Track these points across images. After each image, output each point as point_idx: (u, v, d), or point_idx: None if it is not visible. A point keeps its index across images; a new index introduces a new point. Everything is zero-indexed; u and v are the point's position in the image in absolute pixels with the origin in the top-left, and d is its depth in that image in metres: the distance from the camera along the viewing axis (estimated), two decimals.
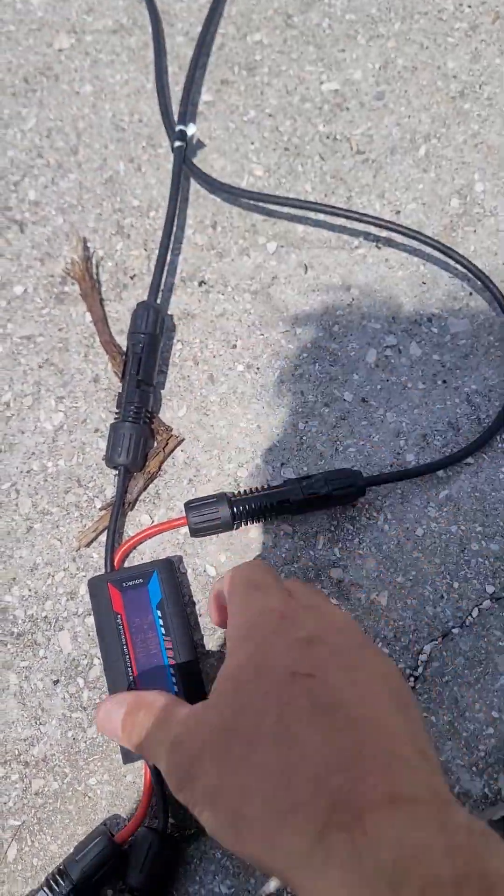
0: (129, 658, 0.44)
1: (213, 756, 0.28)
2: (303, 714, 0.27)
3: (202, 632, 0.48)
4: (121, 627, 0.44)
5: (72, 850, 0.42)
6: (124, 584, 0.45)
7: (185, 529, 0.50)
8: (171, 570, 0.46)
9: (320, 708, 0.27)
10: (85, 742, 0.46)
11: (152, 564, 0.46)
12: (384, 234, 0.57)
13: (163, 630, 0.44)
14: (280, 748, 0.26)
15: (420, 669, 0.47)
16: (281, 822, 0.25)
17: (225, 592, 0.36)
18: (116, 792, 0.45)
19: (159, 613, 0.45)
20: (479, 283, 0.56)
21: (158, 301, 0.54)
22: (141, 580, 0.46)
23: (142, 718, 0.33)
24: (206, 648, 0.48)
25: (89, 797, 0.45)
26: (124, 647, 0.44)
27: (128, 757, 0.43)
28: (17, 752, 0.46)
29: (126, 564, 0.49)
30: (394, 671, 0.31)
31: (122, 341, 0.54)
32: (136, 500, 0.50)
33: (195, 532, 0.48)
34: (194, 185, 0.59)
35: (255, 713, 0.28)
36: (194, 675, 0.44)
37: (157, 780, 0.43)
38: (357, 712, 0.27)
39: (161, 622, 0.45)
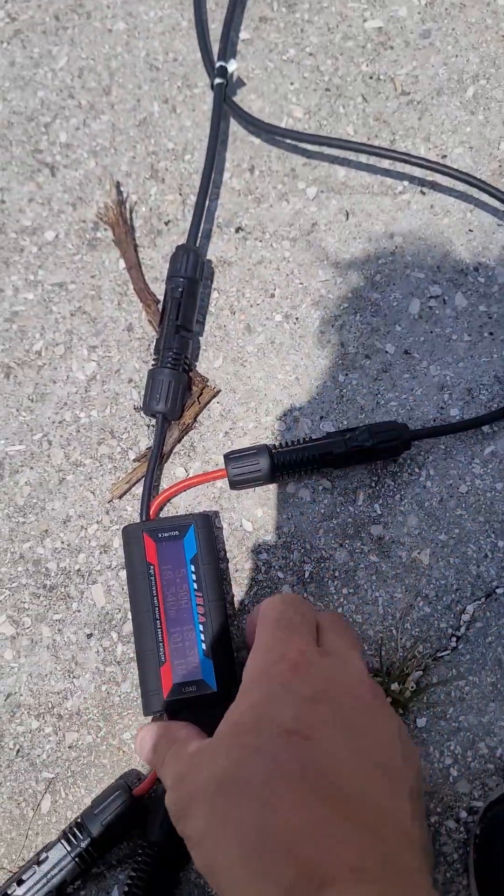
0: (159, 610, 0.43)
1: (203, 801, 0.29)
2: (290, 779, 0.27)
3: (233, 589, 0.47)
4: (153, 578, 0.43)
5: (90, 803, 0.42)
6: (160, 535, 0.44)
7: (221, 483, 0.48)
8: (209, 525, 0.45)
9: (309, 774, 0.27)
10: (119, 696, 0.45)
11: (190, 517, 0.45)
12: (430, 177, 0.54)
13: (195, 585, 0.43)
14: (262, 810, 0.27)
15: (462, 629, 0.46)
16: (249, 881, 0.26)
17: (258, 625, 0.36)
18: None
19: (193, 568, 0.44)
20: None
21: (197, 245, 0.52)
22: (177, 532, 0.44)
23: (163, 748, 0.35)
24: (237, 607, 0.46)
25: (123, 751, 0.44)
26: (154, 598, 0.43)
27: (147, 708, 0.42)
28: (50, 705, 0.45)
29: (161, 516, 0.47)
30: (394, 736, 0.31)
31: (157, 289, 0.52)
32: (171, 451, 0.49)
33: (234, 484, 0.47)
34: (232, 127, 0.56)
35: (247, 769, 0.28)
36: (223, 633, 0.43)
37: None
38: (345, 782, 0.27)
39: (194, 577, 0.43)
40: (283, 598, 0.37)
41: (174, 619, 0.43)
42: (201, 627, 0.42)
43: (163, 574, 0.43)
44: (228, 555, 0.47)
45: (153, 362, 0.49)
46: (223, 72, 0.54)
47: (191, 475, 0.49)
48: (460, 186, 0.54)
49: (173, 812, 0.31)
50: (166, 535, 0.44)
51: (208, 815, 0.28)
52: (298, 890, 0.24)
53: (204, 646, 0.42)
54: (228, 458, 0.46)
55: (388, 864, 0.25)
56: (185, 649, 0.42)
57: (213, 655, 0.42)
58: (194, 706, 0.41)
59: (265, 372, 0.51)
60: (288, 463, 0.46)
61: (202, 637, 0.42)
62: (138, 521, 0.46)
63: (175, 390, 0.48)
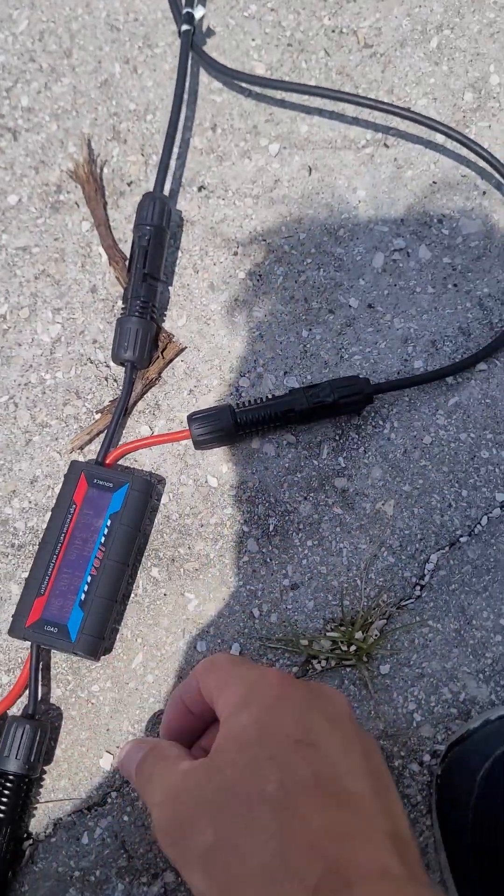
0: (61, 546, 0.44)
1: (211, 815, 0.28)
2: (305, 783, 0.28)
3: (198, 545, 0.47)
4: (69, 516, 0.45)
5: None
6: (95, 481, 0.45)
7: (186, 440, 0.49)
8: (145, 490, 0.45)
9: (322, 780, 0.28)
10: None
11: (129, 477, 0.45)
12: (394, 124, 0.54)
13: (103, 539, 0.44)
14: (281, 814, 0.27)
15: (427, 578, 0.46)
16: (276, 884, 0.26)
17: (199, 680, 0.34)
18: (119, 698, 0.45)
19: (108, 522, 0.44)
20: (494, 179, 0.53)
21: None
22: (111, 485, 0.45)
23: (150, 764, 0.34)
24: (201, 561, 0.47)
25: (92, 703, 0.45)
26: (62, 534, 0.44)
27: None
28: (20, 661, 0.46)
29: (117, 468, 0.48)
30: (373, 745, 0.32)
31: (123, 248, 0.53)
32: (134, 405, 0.49)
33: (198, 444, 0.47)
34: (193, 87, 0.56)
35: (258, 777, 0.28)
36: (107, 592, 0.44)
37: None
38: (351, 787, 0.28)
39: (106, 531, 0.44)
40: (217, 654, 0.38)
41: (70, 561, 0.44)
42: (89, 579, 0.43)
43: (80, 516, 0.45)
44: (194, 510, 0.48)
45: (121, 311, 0.49)
46: (190, 18, 0.54)
47: (155, 433, 0.49)
48: (424, 134, 0.54)
49: (169, 830, 0.29)
50: (100, 483, 0.45)
51: (219, 827, 0.28)
52: (326, 887, 0.25)
53: (83, 596, 0.43)
54: (192, 419, 0.47)
55: (406, 864, 0.26)
56: (65, 592, 0.43)
57: (87, 609, 0.43)
58: (48, 647, 0.44)
59: (228, 329, 0.51)
60: (251, 422, 0.47)
61: (85, 588, 0.43)
62: (95, 460, 0.47)
63: (143, 338, 0.48)
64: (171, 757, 0.33)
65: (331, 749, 0.29)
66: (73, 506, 0.45)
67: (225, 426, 0.46)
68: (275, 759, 0.28)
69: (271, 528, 0.47)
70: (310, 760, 0.28)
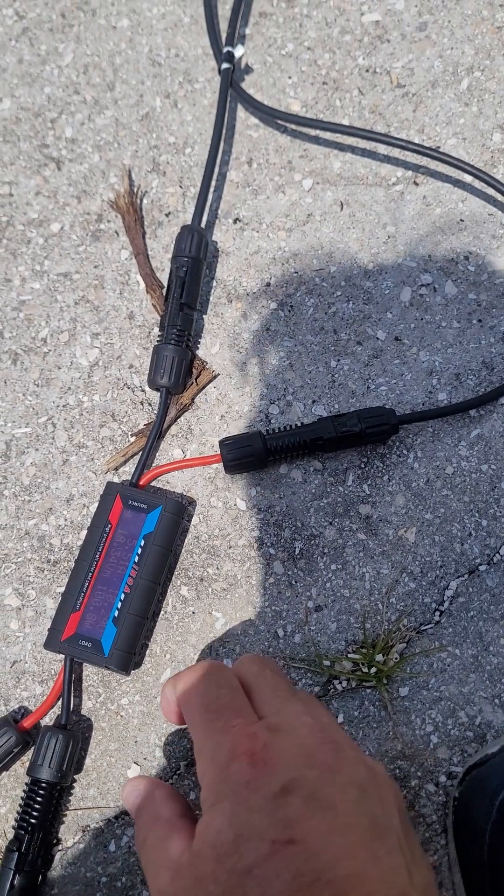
0: (96, 564, 0.46)
1: None
2: (284, 889, 0.26)
3: (226, 565, 0.49)
4: (105, 535, 0.47)
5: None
6: (130, 502, 0.47)
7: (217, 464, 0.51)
8: (177, 513, 0.47)
9: (303, 879, 0.26)
10: None
11: (163, 498, 0.47)
12: (423, 162, 0.56)
13: (136, 558, 0.46)
14: None
15: (446, 604, 0.48)
16: None
17: (182, 710, 0.34)
18: (148, 711, 0.47)
19: (142, 543, 0.46)
20: None
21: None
22: (145, 506, 0.47)
23: (144, 824, 0.33)
24: (228, 581, 0.49)
25: (121, 716, 0.47)
26: (98, 552, 0.46)
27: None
28: (53, 672, 0.48)
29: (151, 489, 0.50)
30: (367, 783, 0.30)
31: (160, 277, 0.55)
32: (167, 429, 0.51)
33: (229, 469, 0.49)
34: (231, 122, 0.58)
35: (238, 890, 0.27)
36: (139, 611, 0.45)
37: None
38: (337, 872, 0.26)
39: (139, 551, 0.46)
40: (197, 676, 0.35)
41: (104, 579, 0.46)
42: (122, 596, 0.45)
43: (115, 536, 0.47)
44: (222, 532, 0.50)
45: (158, 339, 0.51)
46: (230, 57, 0.56)
47: (188, 457, 0.51)
48: (453, 173, 0.56)
49: None
50: (135, 504, 0.47)
51: None
52: None
53: (117, 613, 0.45)
54: (223, 443, 0.49)
55: None
56: (100, 608, 0.45)
57: (120, 626, 0.45)
58: (82, 661, 0.46)
59: (260, 358, 0.53)
60: (280, 448, 0.48)
61: (119, 605, 0.45)
62: (130, 481, 0.49)
63: (178, 365, 0.50)
64: (163, 821, 0.32)
65: (311, 838, 0.27)
66: (109, 525, 0.47)
67: (255, 452, 0.48)
68: (252, 872, 0.27)
69: (297, 551, 0.49)
70: (290, 863, 0.27)
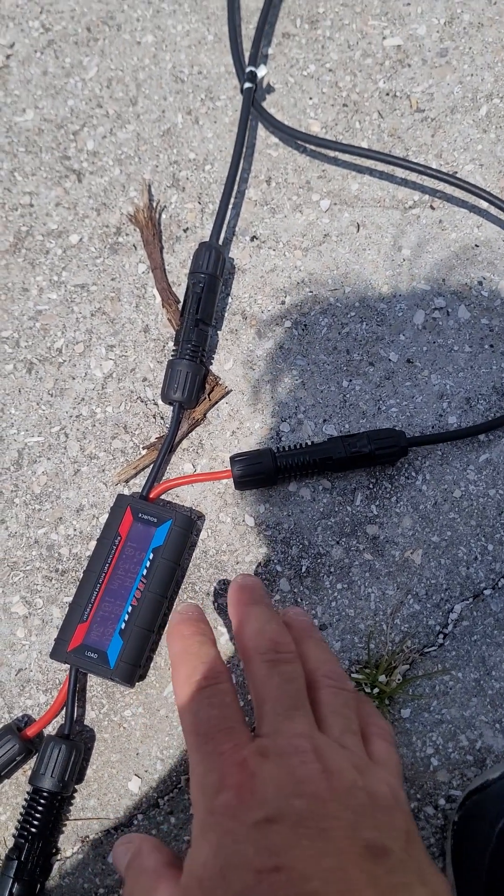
0: (105, 576, 0.46)
1: None
2: None
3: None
4: (114, 547, 0.47)
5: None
6: (140, 515, 0.47)
7: (227, 480, 0.51)
8: (186, 527, 0.48)
9: None
10: None
11: (173, 512, 0.48)
12: (440, 187, 0.57)
13: (145, 571, 0.46)
14: None
15: (450, 627, 0.48)
16: None
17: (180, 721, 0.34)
18: (150, 724, 0.47)
19: (151, 556, 0.47)
20: None
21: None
22: (155, 520, 0.47)
23: (132, 879, 0.33)
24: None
25: (124, 727, 0.47)
26: (106, 564, 0.47)
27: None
28: (58, 682, 0.48)
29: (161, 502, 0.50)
30: (365, 806, 0.29)
31: (176, 291, 0.55)
32: (179, 443, 0.52)
33: (239, 485, 0.49)
34: (249, 140, 0.59)
35: None
36: (146, 623, 0.46)
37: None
38: (328, 894, 0.26)
39: (148, 564, 0.46)
40: (191, 694, 0.34)
41: (112, 591, 0.46)
42: (130, 609, 0.46)
43: (124, 549, 0.47)
44: (230, 547, 0.50)
45: (172, 353, 0.52)
46: (253, 77, 0.57)
47: (198, 471, 0.51)
48: (470, 200, 0.56)
49: None
50: (145, 517, 0.47)
51: None
52: None
53: (124, 625, 0.45)
54: (234, 460, 0.49)
55: None
56: (107, 619, 0.46)
57: (126, 638, 0.45)
58: (87, 672, 0.46)
59: (273, 375, 0.53)
60: (290, 466, 0.49)
61: (126, 617, 0.45)
62: (140, 494, 0.50)
63: (192, 380, 0.50)
64: (150, 872, 0.32)
65: (298, 863, 0.27)
66: (119, 538, 0.47)
67: (265, 469, 0.49)
68: None
69: (303, 569, 0.49)
70: (275, 889, 0.26)
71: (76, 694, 0.46)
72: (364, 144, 0.58)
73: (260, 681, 0.34)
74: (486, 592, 0.49)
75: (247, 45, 0.60)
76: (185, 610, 0.41)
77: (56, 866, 0.45)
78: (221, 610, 0.49)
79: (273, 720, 0.33)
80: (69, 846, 0.46)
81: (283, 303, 0.55)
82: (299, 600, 0.49)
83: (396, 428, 0.51)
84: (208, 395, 0.52)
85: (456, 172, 0.57)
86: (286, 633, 0.37)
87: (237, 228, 0.57)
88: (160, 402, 0.53)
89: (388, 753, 0.34)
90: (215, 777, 0.30)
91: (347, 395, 0.53)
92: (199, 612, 0.41)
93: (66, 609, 0.49)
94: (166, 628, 0.40)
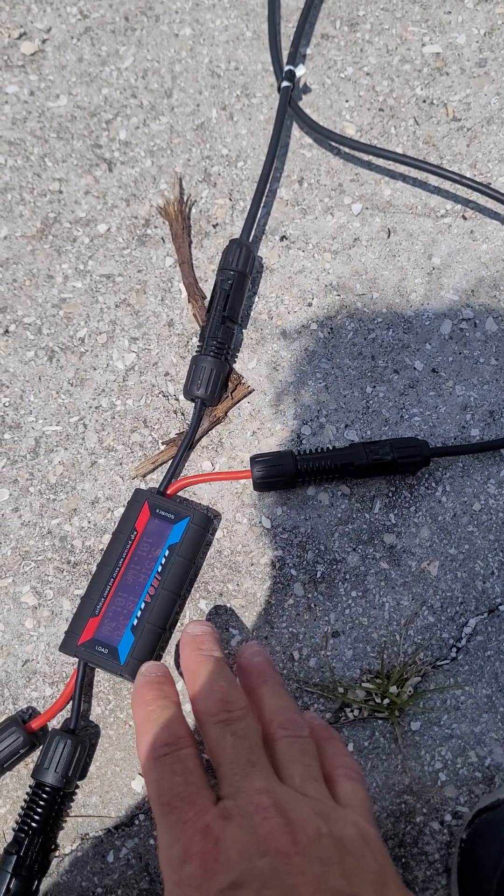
0: (119, 570, 0.46)
1: None
2: None
3: (246, 582, 0.49)
4: (130, 542, 0.46)
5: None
6: (157, 511, 0.47)
7: (246, 480, 0.50)
8: (204, 525, 0.47)
9: None
10: None
11: (191, 510, 0.47)
12: (473, 197, 0.56)
13: (160, 568, 0.46)
14: None
15: (463, 641, 0.48)
16: None
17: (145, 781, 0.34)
18: None
19: (167, 553, 0.46)
20: None
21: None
22: (172, 517, 0.47)
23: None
24: (247, 598, 0.49)
25: (130, 725, 0.47)
26: (121, 559, 0.46)
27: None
28: (65, 675, 0.48)
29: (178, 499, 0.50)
30: (337, 851, 0.29)
31: (203, 287, 0.55)
32: (199, 440, 0.51)
33: (258, 486, 0.49)
34: (283, 139, 0.58)
35: None
36: (158, 620, 0.45)
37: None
38: None
39: (163, 560, 0.46)
40: (153, 763, 0.34)
41: (126, 586, 0.45)
42: (143, 605, 0.45)
43: (139, 544, 0.46)
44: (245, 549, 0.49)
45: (197, 349, 0.51)
46: (291, 76, 0.56)
47: (217, 470, 0.51)
48: (502, 211, 0.56)
49: None
50: (163, 513, 0.47)
51: None
52: None
53: (136, 621, 0.45)
54: (254, 460, 0.49)
55: None
56: (119, 615, 0.45)
57: (137, 634, 0.44)
58: (97, 667, 0.45)
59: (296, 377, 0.53)
60: (310, 470, 0.48)
61: (139, 613, 0.45)
62: (158, 489, 0.49)
63: (216, 378, 0.50)
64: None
65: None
66: (135, 532, 0.47)
67: (285, 471, 0.48)
68: None
69: (318, 574, 0.49)
70: None
71: (83, 688, 0.46)
72: (398, 150, 0.58)
73: (214, 742, 0.34)
74: (502, 608, 0.48)
75: (285, 45, 0.60)
76: (148, 671, 0.40)
77: (54, 863, 0.44)
78: (233, 610, 0.48)
79: (231, 780, 0.32)
80: (69, 843, 0.45)
81: (309, 305, 0.54)
82: (313, 606, 0.48)
83: (419, 437, 0.51)
84: (231, 393, 0.52)
85: (490, 184, 0.57)
86: (236, 687, 0.37)
87: (267, 227, 0.56)
88: (181, 397, 0.52)
89: (356, 793, 0.34)
90: (180, 847, 0.30)
91: (371, 402, 0.52)
92: (163, 673, 0.40)
93: (77, 602, 0.48)
94: (132, 692, 0.39)
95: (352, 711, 0.47)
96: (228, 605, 0.48)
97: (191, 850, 0.30)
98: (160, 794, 0.33)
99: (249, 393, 0.52)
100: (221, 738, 0.34)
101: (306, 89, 0.60)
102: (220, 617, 0.48)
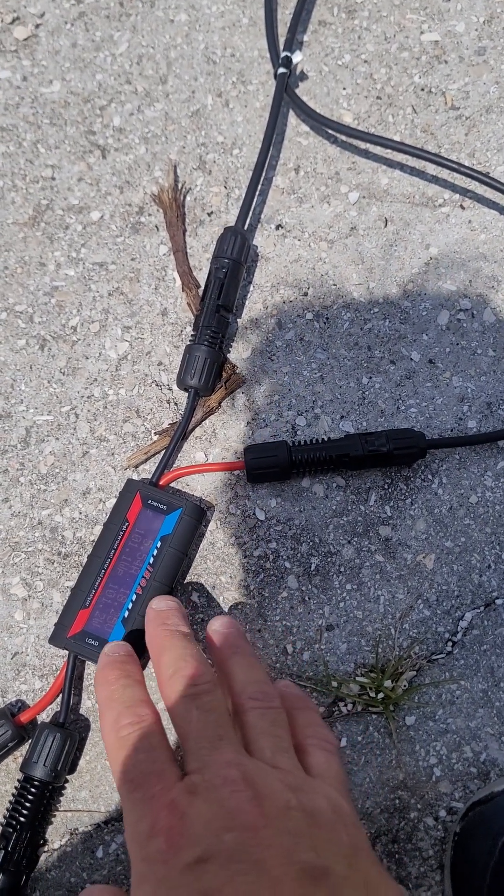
0: (110, 562, 0.45)
1: None
2: None
3: (240, 575, 0.48)
4: (121, 533, 0.46)
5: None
6: (149, 501, 0.46)
7: (239, 471, 0.50)
8: (197, 517, 0.46)
9: None
10: None
11: (184, 501, 0.46)
12: (471, 187, 0.55)
13: (151, 559, 0.45)
14: None
15: (459, 635, 0.47)
16: None
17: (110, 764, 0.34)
18: None
19: (158, 544, 0.45)
20: None
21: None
22: (165, 507, 0.46)
23: None
24: (240, 591, 0.48)
25: None
26: (112, 550, 0.45)
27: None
28: (54, 668, 0.47)
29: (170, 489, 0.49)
30: (308, 823, 0.29)
31: (197, 276, 0.54)
32: (192, 430, 0.50)
33: (252, 477, 0.48)
34: (279, 127, 0.58)
35: None
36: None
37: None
38: None
39: (155, 552, 0.45)
40: (117, 741, 0.34)
41: (117, 577, 0.45)
42: (134, 597, 0.44)
43: (131, 535, 0.46)
44: (239, 541, 0.49)
45: (191, 338, 0.50)
46: (288, 62, 0.55)
47: (210, 461, 0.50)
48: (501, 201, 0.55)
49: None
50: (155, 504, 0.46)
51: None
52: None
53: (126, 613, 0.44)
54: (248, 451, 0.48)
55: None
56: (109, 607, 0.44)
57: (128, 627, 0.44)
58: (86, 659, 0.44)
59: (291, 367, 0.52)
60: (305, 461, 0.48)
61: (129, 605, 0.44)
62: (150, 480, 0.48)
63: (209, 367, 0.49)
64: None
65: None
66: (126, 523, 0.46)
67: (280, 462, 0.47)
68: None
69: (313, 567, 0.48)
70: None
71: (73, 681, 0.45)
72: (396, 139, 0.57)
73: (180, 717, 0.34)
74: (498, 602, 0.48)
75: (282, 31, 0.59)
76: (112, 650, 0.39)
77: (42, 858, 0.44)
78: (226, 603, 0.48)
79: (198, 754, 0.32)
80: (57, 838, 0.44)
81: (305, 294, 0.54)
82: (307, 599, 0.48)
83: (415, 429, 0.50)
84: (224, 383, 0.51)
85: (489, 173, 0.56)
86: (202, 661, 0.36)
87: (263, 216, 0.56)
88: (175, 387, 0.52)
89: (328, 764, 0.34)
90: (146, 824, 0.29)
91: (366, 393, 0.52)
92: (126, 652, 0.39)
93: (68, 593, 0.47)
94: (95, 673, 0.39)
95: (346, 706, 0.46)
96: (221, 598, 0.48)
97: (157, 826, 0.29)
98: (125, 771, 0.32)
99: (243, 383, 0.52)
100: (187, 713, 0.33)
101: (303, 76, 0.59)
102: (213, 610, 0.48)
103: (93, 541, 0.48)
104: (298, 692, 0.39)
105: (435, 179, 0.56)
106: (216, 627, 0.40)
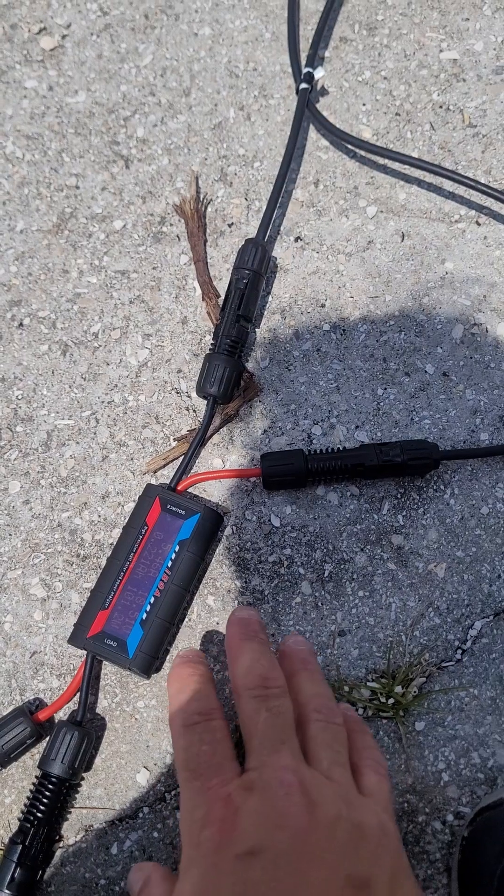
0: (129, 564, 0.46)
1: None
2: None
3: (254, 580, 0.49)
4: (140, 536, 0.47)
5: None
6: (168, 506, 0.47)
7: (256, 478, 0.51)
8: (214, 521, 0.47)
9: None
10: None
11: (201, 507, 0.47)
12: (487, 203, 0.56)
13: (169, 563, 0.46)
14: None
15: (469, 643, 0.48)
16: None
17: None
18: (162, 717, 0.47)
19: (177, 548, 0.46)
20: None
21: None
22: (183, 512, 0.47)
23: None
24: (255, 596, 0.49)
25: (135, 718, 0.47)
26: (131, 553, 0.46)
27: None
28: (72, 667, 0.48)
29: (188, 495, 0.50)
30: (355, 835, 0.30)
31: (217, 286, 0.55)
32: (210, 437, 0.51)
33: (268, 484, 0.49)
34: (300, 141, 0.59)
35: None
36: (167, 615, 0.45)
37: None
38: None
39: (173, 556, 0.46)
40: (183, 731, 0.35)
41: (135, 580, 0.46)
42: (152, 599, 0.45)
43: (150, 538, 0.47)
44: (254, 546, 0.50)
45: (210, 347, 0.51)
46: (309, 78, 0.57)
47: (227, 467, 0.51)
48: None
49: None
50: (173, 509, 0.47)
51: None
52: None
53: (145, 615, 0.45)
54: (265, 458, 0.49)
55: None
56: (128, 608, 0.45)
57: (146, 628, 0.45)
58: (105, 660, 0.45)
59: (308, 377, 0.53)
60: (321, 469, 0.49)
61: (147, 608, 0.45)
62: (169, 485, 0.49)
63: (229, 376, 0.50)
64: None
65: None
66: (145, 527, 0.47)
67: (296, 470, 0.49)
68: None
69: (326, 573, 0.49)
70: None
71: (90, 681, 0.46)
72: (414, 155, 0.58)
73: (248, 716, 0.35)
74: None
75: (303, 47, 0.60)
76: (186, 654, 0.42)
77: (58, 854, 0.45)
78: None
79: (259, 754, 0.33)
80: (72, 834, 0.45)
81: (323, 306, 0.55)
82: (320, 605, 0.49)
83: (428, 440, 0.51)
84: (242, 391, 0.52)
85: None
86: (276, 667, 0.38)
87: (282, 228, 0.57)
88: (194, 394, 0.53)
89: (380, 787, 0.35)
90: (201, 812, 0.31)
91: (381, 403, 0.53)
92: (199, 656, 0.42)
93: (86, 595, 0.48)
94: (170, 670, 0.41)
95: (356, 710, 0.47)
96: (236, 602, 0.49)
97: (211, 816, 0.31)
98: (187, 760, 0.34)
99: (261, 391, 0.53)
100: (256, 713, 0.35)
101: (324, 92, 0.60)
102: (227, 613, 0.48)
103: (111, 544, 0.49)
104: (358, 717, 0.41)
105: (451, 196, 0.57)
106: (290, 643, 0.41)
